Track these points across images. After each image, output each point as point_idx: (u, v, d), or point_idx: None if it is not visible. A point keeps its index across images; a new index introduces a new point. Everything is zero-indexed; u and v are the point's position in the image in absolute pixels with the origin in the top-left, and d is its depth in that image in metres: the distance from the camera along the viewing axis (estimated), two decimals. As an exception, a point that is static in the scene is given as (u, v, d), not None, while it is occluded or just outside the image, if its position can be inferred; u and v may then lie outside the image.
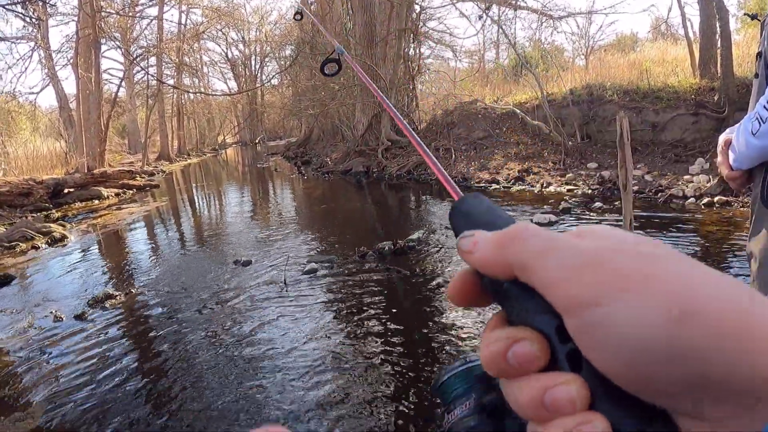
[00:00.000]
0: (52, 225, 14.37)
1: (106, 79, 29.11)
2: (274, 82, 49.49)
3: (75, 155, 26.70)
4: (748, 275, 2.80)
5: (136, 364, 5.79)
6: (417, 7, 22.57)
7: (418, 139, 0.80)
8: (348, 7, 22.72)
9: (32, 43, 28.41)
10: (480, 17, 21.58)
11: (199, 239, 12.50)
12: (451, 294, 0.45)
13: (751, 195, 2.48)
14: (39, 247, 12.44)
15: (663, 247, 0.37)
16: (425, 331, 5.64)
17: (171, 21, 49.57)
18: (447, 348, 5.16)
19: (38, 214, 17.03)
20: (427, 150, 0.77)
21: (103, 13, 27.84)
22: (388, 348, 5.35)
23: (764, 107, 1.90)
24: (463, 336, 5.38)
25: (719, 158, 2.49)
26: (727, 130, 3.20)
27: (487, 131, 16.82)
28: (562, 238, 0.40)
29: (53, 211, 17.92)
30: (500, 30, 19.72)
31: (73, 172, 23.45)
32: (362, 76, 1.23)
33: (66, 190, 20.52)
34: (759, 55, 2.25)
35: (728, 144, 2.84)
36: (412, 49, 23.05)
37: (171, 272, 9.36)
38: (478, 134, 16.95)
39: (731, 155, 2.78)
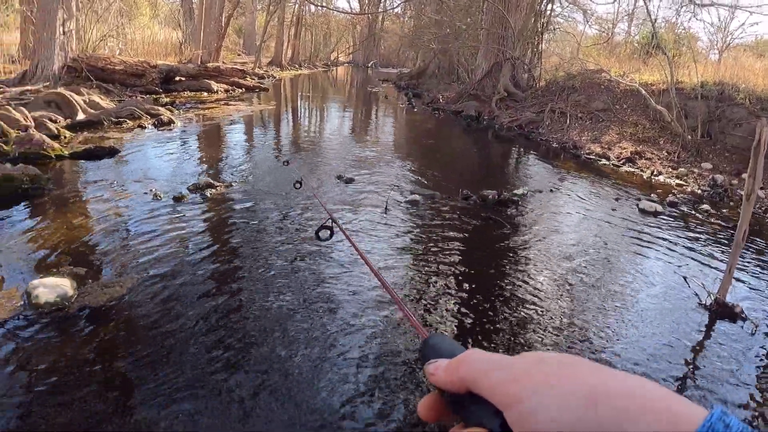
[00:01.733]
0: (160, 108, 14.99)
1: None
2: (398, 10, 49.14)
3: (190, 46, 27.37)
4: None
5: (224, 256, 5.96)
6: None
7: (384, 279, 0.99)
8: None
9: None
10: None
11: (302, 148, 12.73)
12: (421, 411, 0.61)
13: None
14: (145, 127, 12.98)
15: (579, 358, 0.50)
16: (509, 288, 5.63)
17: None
18: (524, 311, 5.14)
19: (147, 96, 17.68)
20: (394, 292, 0.95)
21: None
22: (474, 297, 5.35)
23: None
24: (540, 302, 5.37)
25: None
26: None
27: (606, 104, 16.49)
28: (501, 358, 0.54)
29: (162, 95, 18.57)
30: (645, 4, 18.89)
31: (186, 62, 24.10)
32: (355, 247, 1.38)
33: (177, 78, 21.25)
34: None
35: None
36: (544, 4, 22.58)
37: (272, 175, 9.61)
38: (597, 105, 16.65)
39: None
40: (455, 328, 4.77)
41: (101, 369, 3.91)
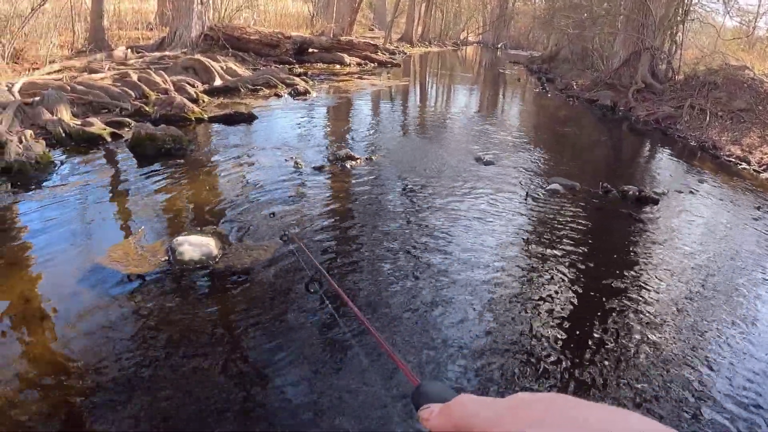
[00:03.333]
0: (295, 78, 15.78)
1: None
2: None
3: (321, 19, 28.12)
4: None
5: (370, 230, 6.12)
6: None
7: (371, 326, 1.05)
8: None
9: None
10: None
11: (438, 126, 12.97)
12: None
13: None
14: (281, 96, 13.69)
15: (562, 395, 0.55)
16: (654, 300, 5.29)
17: None
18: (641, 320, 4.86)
19: (281, 66, 18.53)
20: (381, 337, 0.99)
21: None
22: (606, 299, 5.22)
23: None
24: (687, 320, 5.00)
25: None
26: None
27: (749, 104, 16.13)
28: (492, 400, 0.59)
29: (296, 66, 19.42)
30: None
31: (318, 35, 24.75)
32: (344, 297, 1.51)
33: (310, 50, 21.96)
34: None
35: None
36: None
37: (411, 152, 9.80)
38: (739, 104, 16.30)
39: None
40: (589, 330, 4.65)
41: (242, 328, 4.08)
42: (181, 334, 3.94)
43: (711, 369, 4.26)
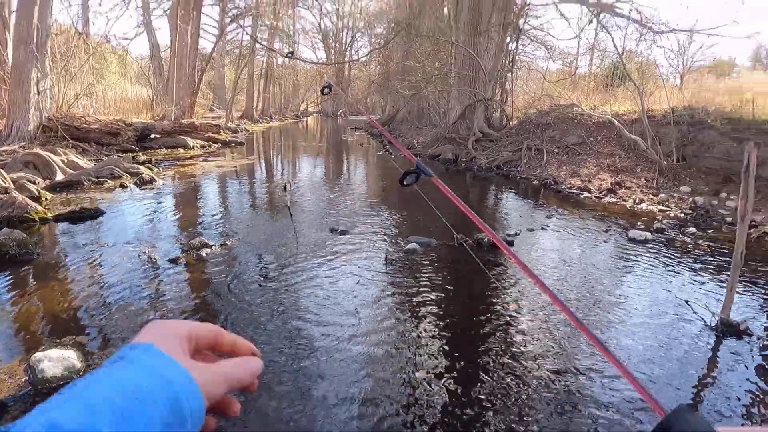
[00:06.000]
0: (140, 166, 14.94)
1: (200, 34, 30.10)
2: (365, 59, 50.05)
3: (162, 103, 27.55)
4: None
5: (235, 313, 5.87)
6: (520, 2, 22.59)
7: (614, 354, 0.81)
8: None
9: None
10: (590, 21, 21.41)
11: (287, 202, 12.39)
12: None
13: None
14: (127, 186, 12.87)
15: None
16: (513, 331, 5.58)
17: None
18: (506, 360, 4.98)
19: (124, 154, 17.66)
20: (616, 357, 0.79)
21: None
22: (474, 347, 5.29)
23: None
24: (548, 339, 5.37)
25: None
26: None
27: (581, 138, 16.84)
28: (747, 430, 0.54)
29: (139, 153, 18.64)
30: (611, 38, 19.48)
31: (160, 119, 24.26)
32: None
33: (153, 135, 21.32)
34: None
35: None
36: (511, 44, 23.11)
37: (265, 231, 9.44)
38: (572, 139, 16.99)
39: None
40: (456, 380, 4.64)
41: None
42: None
43: (582, 376, 4.68)
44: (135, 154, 18.58)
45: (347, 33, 57.99)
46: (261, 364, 0.70)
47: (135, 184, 13.32)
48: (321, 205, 12.08)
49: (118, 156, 17.06)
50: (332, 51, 58.37)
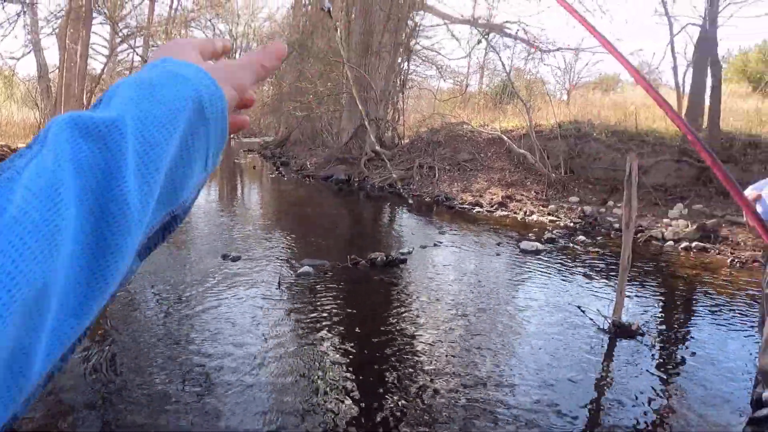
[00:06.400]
0: None
1: (90, 54, 28.95)
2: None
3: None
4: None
5: (112, 354, 5.24)
6: (411, 23, 22.76)
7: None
8: (347, 13, 22.76)
9: (19, 7, 27.67)
10: (479, 41, 21.79)
11: (179, 229, 12.18)
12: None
13: None
14: None
15: None
16: (409, 347, 5.56)
17: (163, 2, 49.35)
18: (410, 372, 4.99)
19: None
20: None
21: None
22: (375, 364, 5.19)
23: None
24: (430, 366, 5.18)
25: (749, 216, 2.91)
26: (750, 187, 3.64)
27: (472, 154, 17.03)
28: None
29: None
30: (499, 57, 19.91)
31: None
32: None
33: None
34: None
35: (755, 200, 3.32)
36: (403, 64, 23.26)
37: (155, 263, 8.66)
38: (463, 156, 17.15)
39: (760, 208, 3.24)
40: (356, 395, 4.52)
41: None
42: None
43: (485, 386, 4.68)
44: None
45: (241, 54, 57.49)
46: (284, 47, 0.67)
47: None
48: (213, 231, 11.46)
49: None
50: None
